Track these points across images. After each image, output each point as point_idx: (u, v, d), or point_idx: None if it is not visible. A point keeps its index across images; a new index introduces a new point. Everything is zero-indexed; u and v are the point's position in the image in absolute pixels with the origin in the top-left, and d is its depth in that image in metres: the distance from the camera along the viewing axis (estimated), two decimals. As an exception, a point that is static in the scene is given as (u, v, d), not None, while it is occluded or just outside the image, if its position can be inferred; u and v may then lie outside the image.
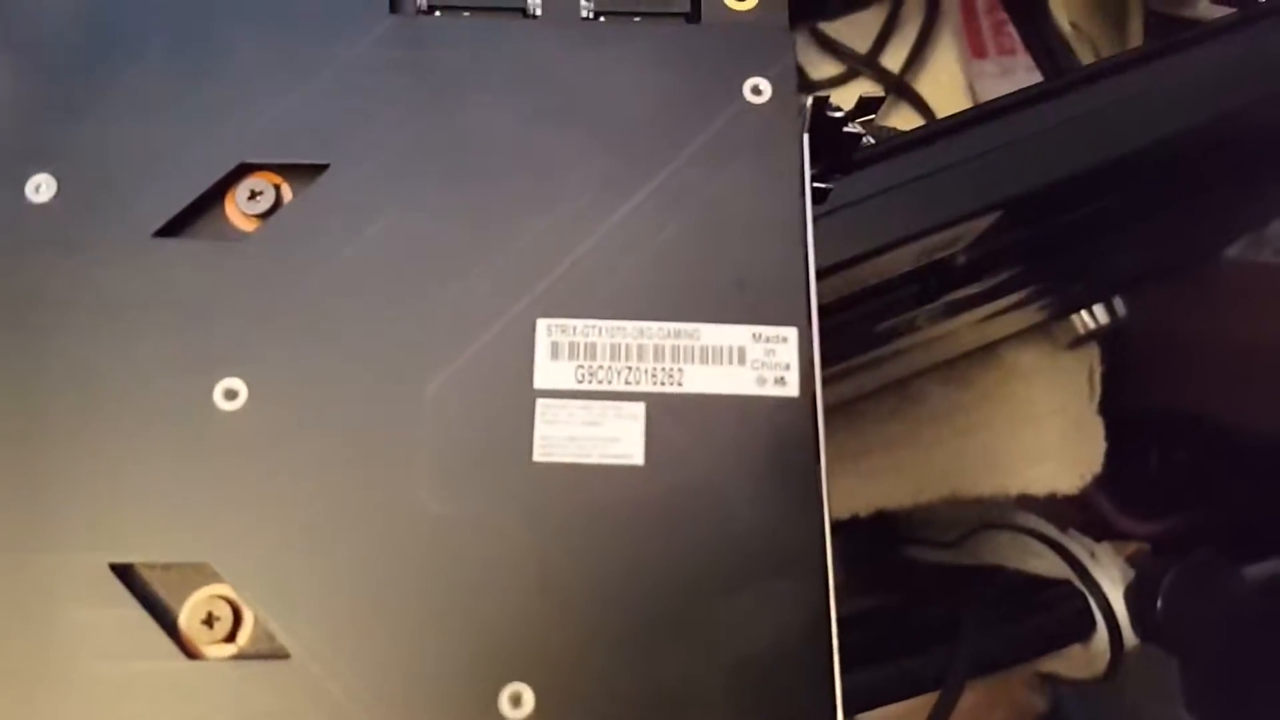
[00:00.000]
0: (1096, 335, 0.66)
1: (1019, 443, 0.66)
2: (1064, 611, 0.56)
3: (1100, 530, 0.66)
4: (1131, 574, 0.55)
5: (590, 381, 0.22)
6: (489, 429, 0.21)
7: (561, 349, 0.22)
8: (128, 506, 0.21)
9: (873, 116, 0.25)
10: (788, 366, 0.22)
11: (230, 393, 0.21)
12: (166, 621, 0.20)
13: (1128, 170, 0.32)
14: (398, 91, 0.24)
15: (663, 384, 0.22)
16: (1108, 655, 0.56)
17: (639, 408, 0.22)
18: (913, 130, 0.30)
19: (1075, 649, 0.57)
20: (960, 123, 0.31)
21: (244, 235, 0.23)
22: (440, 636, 0.20)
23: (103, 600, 0.20)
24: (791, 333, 0.22)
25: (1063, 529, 0.64)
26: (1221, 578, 0.51)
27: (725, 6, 0.25)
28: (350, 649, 0.20)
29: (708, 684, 0.20)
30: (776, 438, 0.22)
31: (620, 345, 0.22)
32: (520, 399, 0.22)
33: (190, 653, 0.20)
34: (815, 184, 0.27)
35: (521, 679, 0.20)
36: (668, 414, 0.22)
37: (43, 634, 0.20)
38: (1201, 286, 0.71)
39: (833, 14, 0.62)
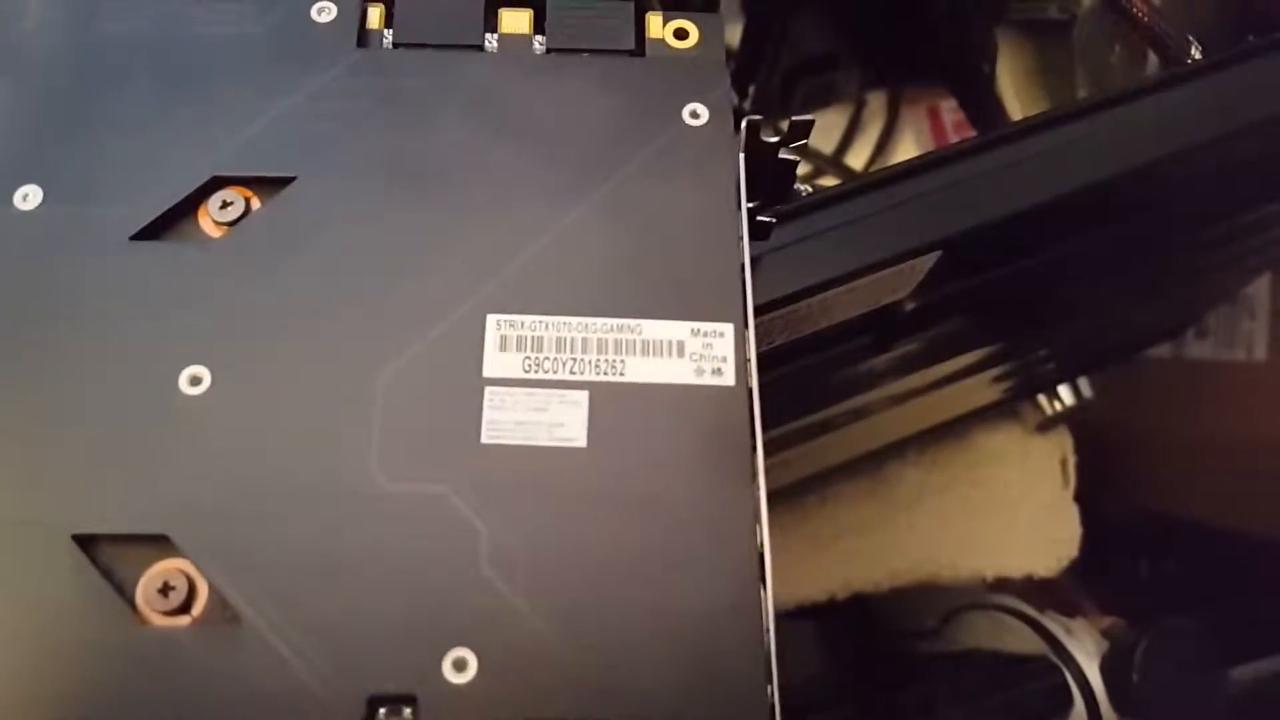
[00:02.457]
0: (1065, 418, 0.68)
1: (994, 526, 0.67)
2: (1040, 687, 0.56)
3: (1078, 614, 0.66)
4: (1106, 646, 0.55)
5: (537, 371, 0.23)
6: (440, 413, 0.23)
7: (510, 341, 0.23)
8: (92, 481, 0.22)
9: (805, 141, 0.27)
10: (724, 359, 0.23)
11: (195, 379, 0.23)
12: (125, 591, 0.21)
13: (1066, 215, 0.34)
14: (362, 114, 0.26)
15: (605, 374, 0.23)
16: (1086, 730, 0.55)
17: (582, 395, 0.23)
18: (855, 178, 0.32)
19: (1053, 725, 0.56)
20: (904, 169, 0.33)
21: (213, 240, 0.24)
22: (388, 604, 0.21)
23: (64, 570, 0.21)
24: (728, 328, 0.24)
25: (1040, 610, 0.65)
26: (1196, 644, 0.51)
27: (666, 44, 0.27)
28: (300, 614, 0.21)
29: (644, 652, 0.21)
30: (713, 423, 0.23)
31: (565, 339, 0.24)
32: (470, 386, 0.23)
33: (146, 621, 0.21)
34: (758, 217, 0.29)
35: (465, 645, 0.21)
36: (610, 401, 0.23)
37: (7, 601, 0.21)
38: (1169, 377, 0.73)
39: (795, 113, 0.66)
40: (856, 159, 0.71)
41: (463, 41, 0.27)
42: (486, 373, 0.23)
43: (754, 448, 0.23)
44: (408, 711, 0.20)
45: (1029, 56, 0.66)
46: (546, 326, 0.24)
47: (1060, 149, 0.34)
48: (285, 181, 0.25)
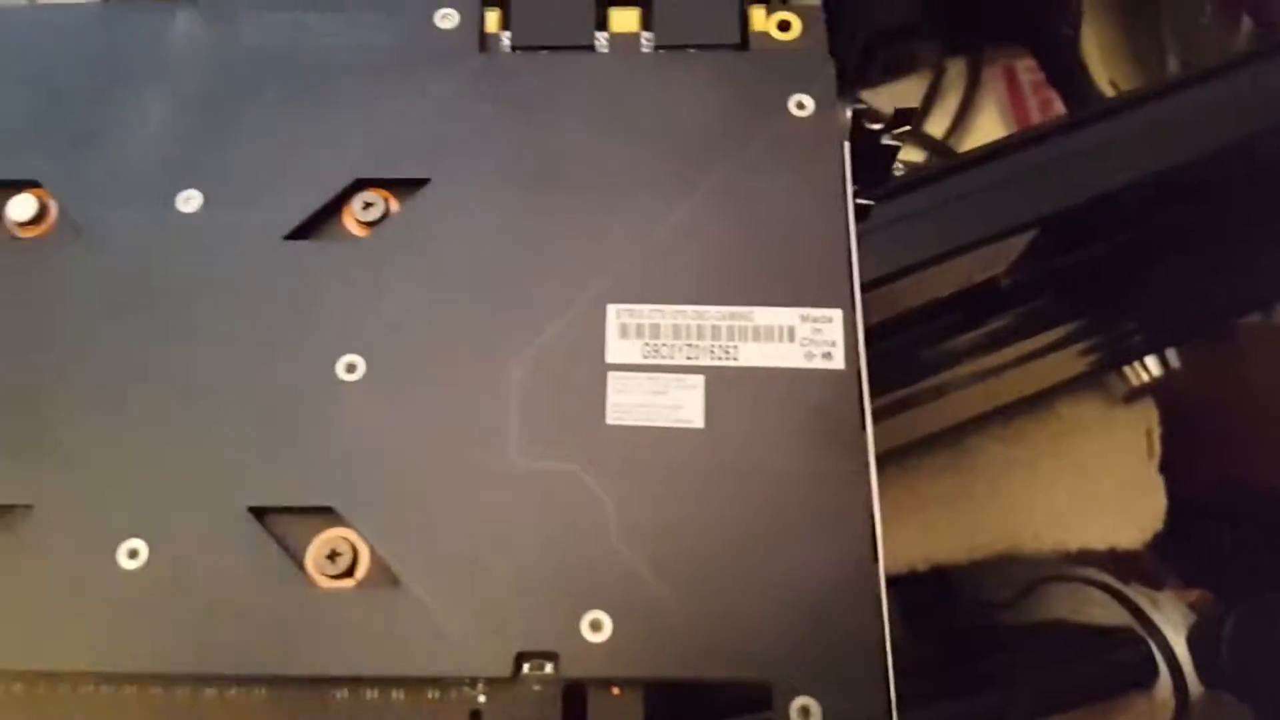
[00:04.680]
0: (1151, 389, 0.67)
1: (1077, 498, 0.67)
2: (1125, 658, 0.56)
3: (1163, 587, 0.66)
4: (1194, 620, 0.55)
5: (655, 357, 0.25)
6: (568, 397, 0.25)
7: (629, 329, 0.25)
8: (265, 460, 0.24)
9: (908, 128, 0.28)
10: (834, 343, 0.25)
11: (351, 366, 0.25)
12: (296, 557, 0.23)
13: (1159, 193, 0.35)
14: (487, 117, 0.27)
15: (720, 359, 0.25)
16: (1172, 704, 0.56)
17: (699, 379, 0.25)
18: (951, 158, 0.33)
19: (1138, 697, 0.57)
20: (998, 148, 0.34)
21: (358, 239, 0.27)
22: (530, 570, 0.23)
23: (241, 539, 0.23)
24: (837, 313, 0.25)
25: (1124, 582, 0.65)
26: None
27: (770, 37, 0.28)
28: (452, 579, 0.23)
29: (763, 618, 0.23)
30: (824, 405, 0.24)
31: (681, 326, 0.25)
32: (594, 372, 0.25)
33: (315, 583, 0.23)
34: (858, 200, 0.31)
35: (601, 608, 0.23)
36: (725, 384, 0.25)
37: (192, 567, 0.23)
38: (1257, 346, 0.72)
39: (873, 82, 0.66)
40: (936, 127, 0.71)
41: (576, 42, 0.28)
42: (609, 359, 0.25)
43: (864, 428, 0.24)
44: (549, 666, 0.23)
45: (1115, 19, 0.66)
46: (663, 314, 0.25)
47: (1157, 125, 0.35)
48: (420, 183, 0.27)
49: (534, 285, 0.26)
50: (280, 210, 0.27)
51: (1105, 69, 0.65)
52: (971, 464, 0.67)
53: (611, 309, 0.25)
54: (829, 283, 0.25)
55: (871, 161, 0.29)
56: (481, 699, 0.23)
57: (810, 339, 0.25)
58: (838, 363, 0.25)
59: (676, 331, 0.25)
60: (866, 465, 0.24)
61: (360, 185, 0.27)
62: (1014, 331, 0.45)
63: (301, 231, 0.27)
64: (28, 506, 0.24)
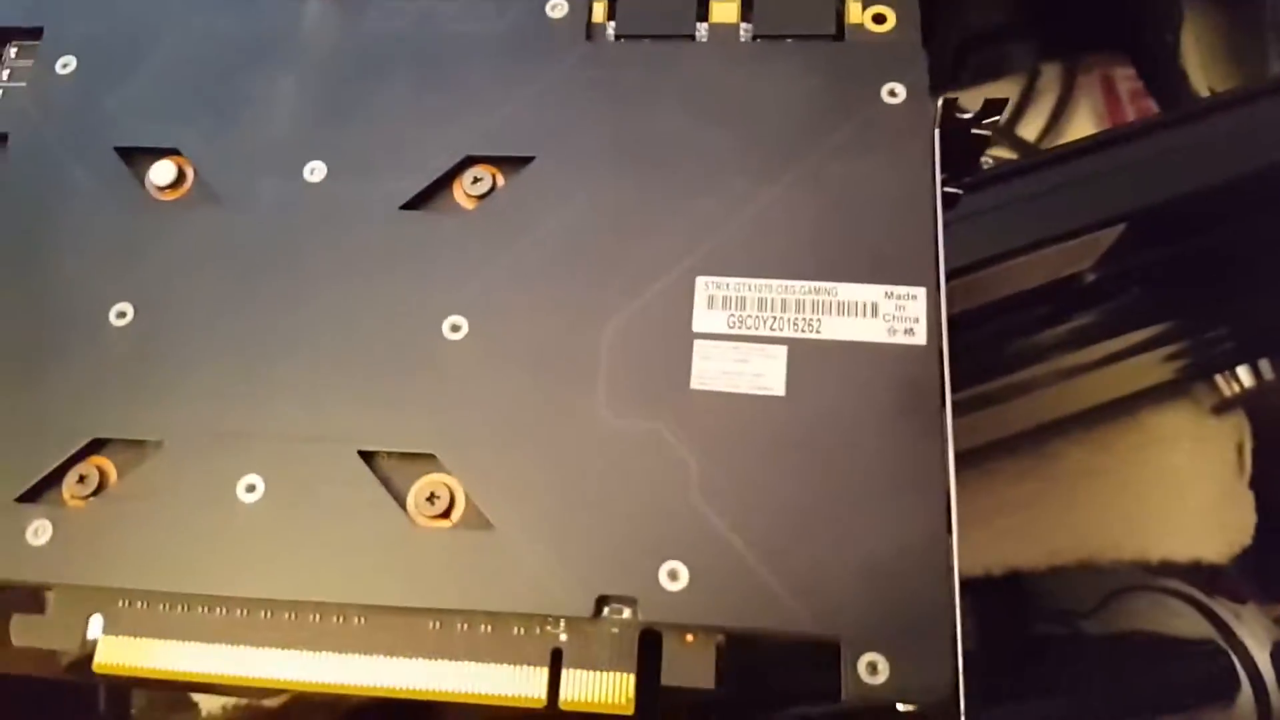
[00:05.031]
0: (1242, 401, 0.66)
1: (1160, 508, 0.66)
2: (1205, 671, 0.55)
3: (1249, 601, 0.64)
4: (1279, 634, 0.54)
5: (740, 327, 0.26)
6: (656, 361, 0.26)
7: (716, 301, 0.27)
8: (375, 408, 0.26)
9: (998, 118, 0.29)
10: (916, 320, 0.26)
11: (455, 326, 0.27)
12: (399, 498, 0.25)
13: (1251, 192, 0.35)
14: (590, 101, 0.29)
15: (803, 331, 0.26)
16: (1254, 718, 0.55)
17: (781, 349, 0.26)
18: (1040, 153, 0.34)
19: (1219, 711, 0.56)
20: (1088, 144, 0.34)
21: (467, 211, 0.28)
22: (614, 520, 0.25)
23: (350, 479, 0.25)
24: (921, 291, 0.26)
25: (1208, 595, 0.64)
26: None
27: (865, 28, 0.29)
28: (540, 524, 0.25)
29: (838, 577, 0.24)
30: (904, 378, 0.25)
31: (766, 299, 0.26)
32: (682, 339, 0.26)
33: (415, 523, 0.25)
34: (946, 188, 0.32)
35: (679, 559, 0.24)
36: (807, 355, 0.26)
37: (305, 503, 0.25)
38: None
39: (965, 84, 0.66)
40: (1029, 130, 0.71)
41: (677, 32, 0.30)
42: (696, 328, 0.26)
43: (944, 404, 0.25)
44: (628, 612, 0.24)
45: (1216, 25, 0.64)
46: (750, 288, 0.27)
47: (1248, 126, 0.35)
48: (526, 161, 0.29)
49: (628, 257, 0.27)
50: (397, 183, 0.29)
51: (1205, 77, 0.64)
52: (1053, 470, 0.66)
53: (701, 281, 0.27)
54: (914, 262, 0.26)
55: (961, 151, 0.30)
56: (563, 637, 0.24)
57: (893, 315, 0.26)
58: (919, 339, 0.26)
59: (762, 304, 0.26)
60: (945, 440, 0.25)
61: (471, 162, 0.29)
62: (1100, 330, 0.45)
63: (415, 202, 0.29)
64: (159, 442, 0.26)
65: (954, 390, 0.47)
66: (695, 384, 0.26)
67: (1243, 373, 0.64)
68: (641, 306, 0.27)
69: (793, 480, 0.25)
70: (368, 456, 0.26)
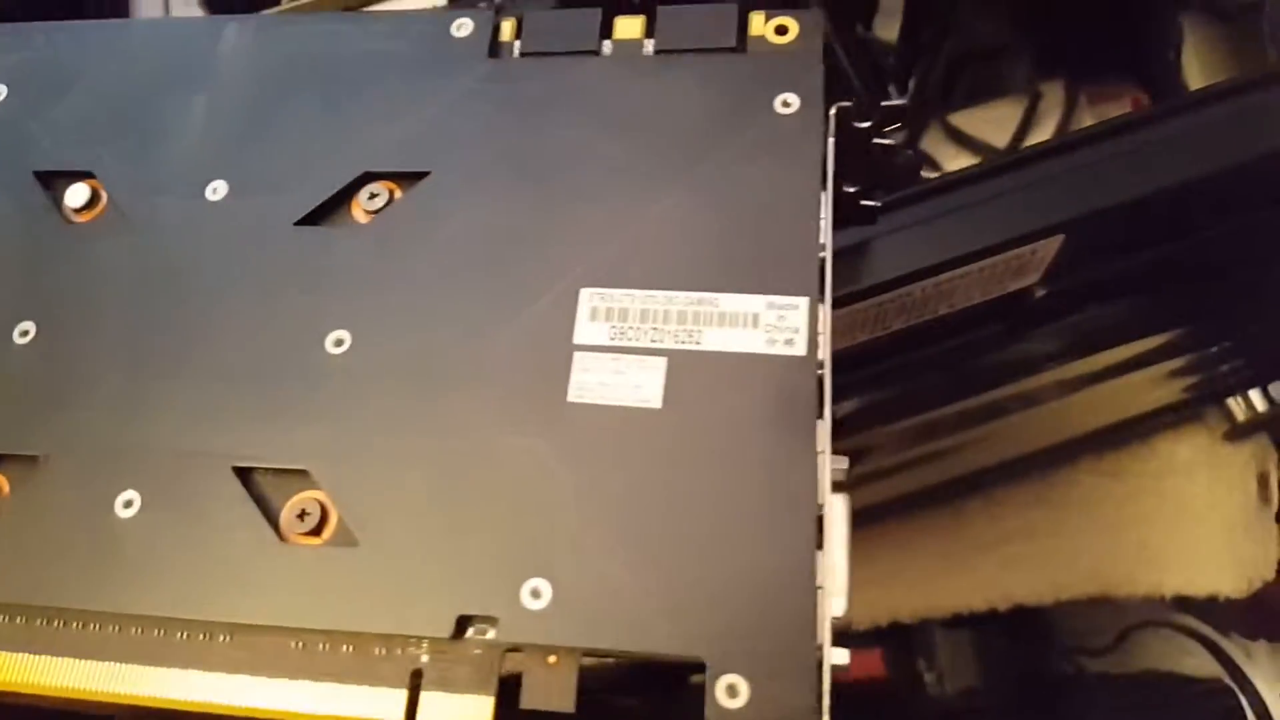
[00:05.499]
0: (1257, 426, 0.63)
1: (1175, 541, 0.63)
2: (1211, 710, 0.53)
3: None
4: (1287, 670, 0.51)
5: (621, 339, 0.26)
6: (535, 375, 0.26)
7: (599, 313, 0.26)
8: (252, 424, 0.26)
9: (899, 125, 0.28)
10: (796, 330, 0.25)
11: (339, 340, 0.27)
12: (272, 515, 0.25)
13: (1197, 201, 0.34)
14: (490, 117, 0.29)
15: (683, 343, 0.25)
16: (1262, 759, 0.52)
17: (660, 361, 0.25)
18: (972, 166, 0.33)
19: (1225, 751, 0.53)
20: (1022, 156, 0.33)
21: (361, 225, 0.28)
22: (481, 537, 0.24)
23: (224, 495, 0.25)
24: (803, 301, 0.25)
25: (1224, 631, 0.61)
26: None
27: (767, 40, 0.29)
28: (404, 541, 0.24)
29: (704, 596, 0.23)
30: (781, 389, 0.25)
31: (649, 310, 0.26)
32: (562, 352, 0.26)
33: (286, 539, 0.25)
34: (863, 202, 0.31)
35: (543, 576, 0.23)
36: (686, 367, 0.25)
37: (180, 519, 0.25)
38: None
39: (959, 104, 0.65)
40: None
41: (581, 48, 0.30)
42: (576, 340, 0.26)
43: (821, 415, 0.24)
44: (491, 631, 0.23)
45: (1216, 42, 0.63)
46: (633, 299, 0.26)
47: (1186, 134, 0.33)
48: (421, 176, 0.28)
49: (516, 270, 0.27)
50: (294, 199, 0.29)
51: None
52: (1062, 498, 0.64)
53: (585, 292, 0.26)
54: (796, 272, 0.26)
55: (872, 161, 0.29)
56: (425, 659, 0.24)
57: (774, 325, 0.25)
58: (799, 349, 0.25)
59: (644, 315, 0.26)
60: (817, 451, 0.24)
61: (369, 178, 0.29)
62: (1075, 346, 0.43)
63: (312, 218, 0.29)
64: (45, 456, 0.27)
65: (923, 408, 0.45)
66: (572, 397, 0.25)
67: (1255, 396, 0.61)
68: (525, 320, 0.26)
69: (664, 495, 0.24)
70: (244, 473, 0.26)
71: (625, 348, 0.26)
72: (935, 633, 0.66)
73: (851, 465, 0.53)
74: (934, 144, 0.70)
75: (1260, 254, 0.44)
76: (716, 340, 0.25)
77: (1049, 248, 0.33)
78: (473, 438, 0.25)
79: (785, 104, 0.28)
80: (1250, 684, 0.52)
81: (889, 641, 0.66)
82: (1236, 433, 0.63)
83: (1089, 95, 0.69)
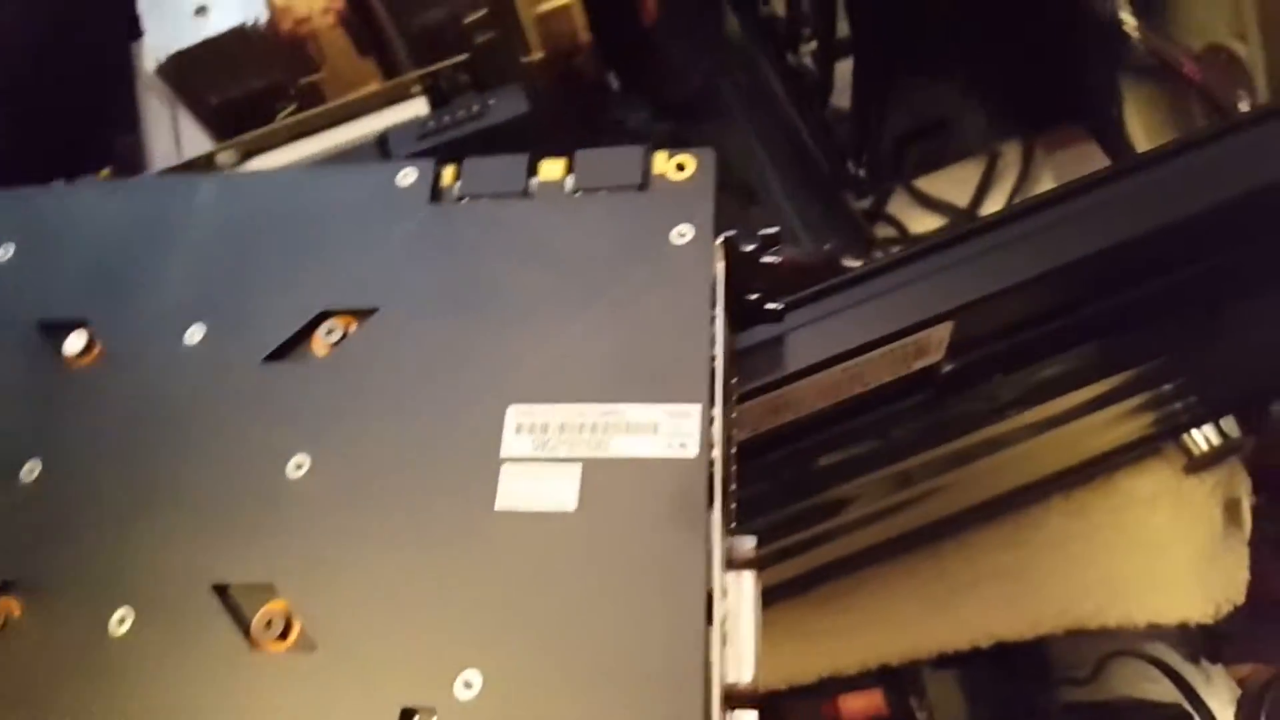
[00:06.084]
0: (1217, 458, 0.66)
1: (1143, 571, 0.65)
2: (1166, 736, 0.55)
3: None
4: (1240, 695, 0.54)
5: (543, 450, 0.30)
6: (467, 487, 0.29)
7: (524, 427, 0.30)
8: (225, 544, 0.30)
9: (778, 245, 0.32)
10: (690, 434, 0.29)
11: (298, 465, 0.31)
12: (244, 626, 0.29)
13: (1068, 285, 0.37)
14: (430, 256, 0.33)
15: (595, 451, 0.29)
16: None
17: (576, 468, 0.29)
18: (871, 261, 0.37)
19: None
20: (910, 253, 0.37)
21: (320, 359, 0.33)
22: (419, 632, 0.28)
23: (204, 611, 0.29)
24: (694, 408, 0.29)
25: (1194, 656, 0.63)
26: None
27: (668, 178, 0.33)
28: (354, 642, 0.28)
29: (610, 677, 0.26)
30: (675, 488, 0.28)
31: (567, 422, 0.30)
32: (491, 464, 0.30)
33: (256, 646, 0.29)
34: (767, 306, 0.35)
35: (475, 667, 0.27)
36: (598, 473, 0.29)
37: (167, 629, 0.29)
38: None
39: (923, 171, 0.69)
40: (992, 210, 0.72)
41: (511, 189, 0.34)
42: (504, 453, 0.30)
43: (710, 505, 0.28)
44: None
45: (1152, 98, 0.66)
46: (553, 413, 0.30)
47: (1074, 217, 0.37)
48: (371, 312, 0.33)
49: (452, 392, 0.31)
50: (262, 338, 0.33)
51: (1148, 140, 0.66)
52: (1031, 538, 0.66)
53: (511, 409, 0.30)
54: (689, 382, 0.29)
55: (764, 275, 0.33)
56: (374, 754, 0.27)
57: (671, 431, 0.29)
58: (690, 451, 0.29)
59: (562, 428, 0.30)
60: (707, 539, 0.27)
61: (327, 315, 0.33)
62: (1055, 386, 0.47)
63: (277, 355, 0.33)
64: (51, 580, 0.31)
65: (911, 452, 0.48)
66: (499, 506, 0.29)
67: (1209, 430, 0.64)
68: (459, 436, 0.30)
69: (577, 589, 0.28)
70: (220, 589, 0.30)
71: (546, 458, 0.29)
72: (923, 673, 0.69)
73: (823, 519, 0.56)
74: (901, 208, 0.74)
75: (1198, 298, 0.47)
76: (623, 447, 0.29)
77: (941, 332, 0.37)
78: (414, 546, 0.29)
79: (681, 234, 0.32)
80: (1206, 708, 0.55)
81: (883, 683, 0.69)
82: (1194, 465, 0.65)
83: (1045, 145, 0.73)
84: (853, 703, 0.70)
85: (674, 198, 0.33)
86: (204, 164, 0.61)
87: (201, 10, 0.59)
